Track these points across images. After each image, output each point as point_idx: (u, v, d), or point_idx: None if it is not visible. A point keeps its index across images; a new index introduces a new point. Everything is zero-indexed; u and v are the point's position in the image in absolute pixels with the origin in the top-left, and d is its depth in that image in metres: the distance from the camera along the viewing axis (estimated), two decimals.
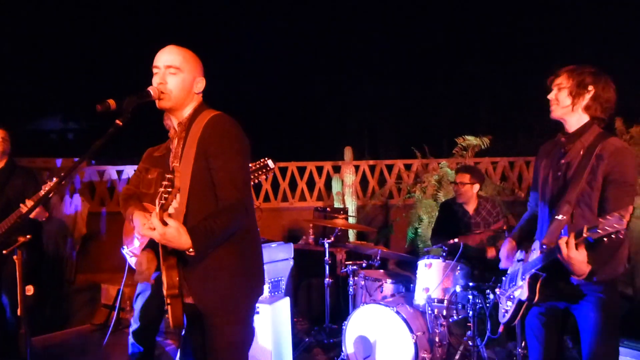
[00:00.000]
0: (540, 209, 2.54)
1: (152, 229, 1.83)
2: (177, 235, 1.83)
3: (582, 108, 2.36)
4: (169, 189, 1.78)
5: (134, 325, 3.24)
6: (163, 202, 1.80)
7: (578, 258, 2.10)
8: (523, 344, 3.67)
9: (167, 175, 1.78)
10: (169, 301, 1.99)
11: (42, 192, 3.48)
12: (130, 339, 3.25)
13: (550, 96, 2.42)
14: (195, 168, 2.03)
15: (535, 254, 2.41)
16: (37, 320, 5.12)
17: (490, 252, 4.15)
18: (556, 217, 2.32)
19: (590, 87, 2.34)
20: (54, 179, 3.45)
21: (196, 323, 2.14)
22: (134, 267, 3.20)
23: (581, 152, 2.33)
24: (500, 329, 3.32)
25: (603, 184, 2.25)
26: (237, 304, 2.11)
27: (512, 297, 2.50)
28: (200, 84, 2.16)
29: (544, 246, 2.33)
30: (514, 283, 2.54)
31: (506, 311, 2.54)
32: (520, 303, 2.41)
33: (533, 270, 2.34)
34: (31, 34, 8.52)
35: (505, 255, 2.68)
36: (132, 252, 3.22)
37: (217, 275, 2.06)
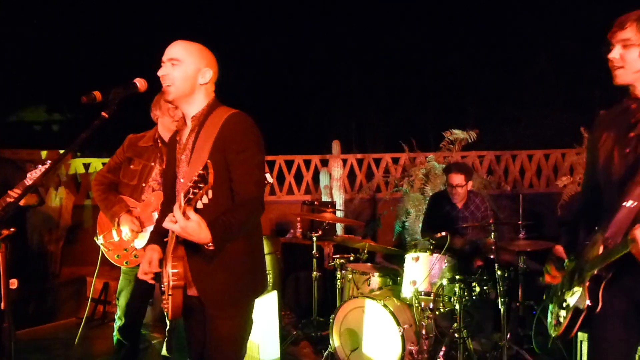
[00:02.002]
0: (605, 194, 1.98)
1: (174, 222, 1.82)
2: (198, 229, 1.82)
3: None
4: (201, 184, 1.74)
5: (119, 322, 3.22)
6: (191, 196, 1.77)
7: None
8: (509, 336, 3.72)
9: (200, 172, 1.74)
10: (170, 292, 2.00)
11: (27, 181, 3.44)
12: (116, 336, 3.23)
13: (613, 55, 1.86)
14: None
15: (595, 249, 1.91)
16: (22, 314, 5.08)
17: (477, 263, 4.19)
18: (624, 203, 1.82)
19: None
20: (40, 166, 3.41)
21: (193, 316, 2.15)
22: (110, 259, 3.19)
23: None
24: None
25: None
26: (242, 297, 2.15)
27: (565, 304, 2.02)
28: (207, 75, 2.15)
29: (609, 240, 1.86)
30: (566, 287, 2.05)
31: (558, 322, 2.05)
32: (578, 312, 1.92)
33: (594, 271, 1.89)
34: (14, 24, 8.38)
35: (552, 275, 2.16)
36: (108, 245, 3.21)
37: (225, 269, 2.08)
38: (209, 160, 1.77)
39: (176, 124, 2.24)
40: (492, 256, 3.91)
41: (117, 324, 3.23)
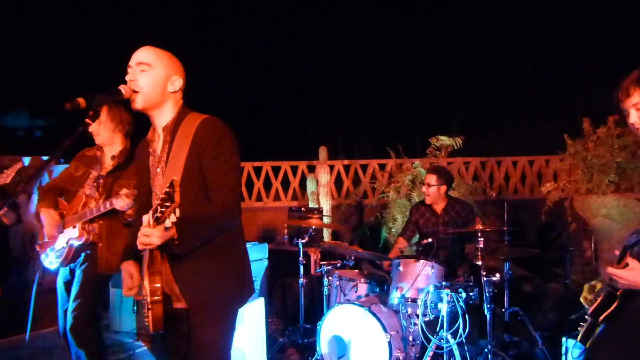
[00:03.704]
0: None
1: (147, 237, 1.83)
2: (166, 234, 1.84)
3: None
4: (167, 203, 1.73)
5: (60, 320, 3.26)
6: (159, 215, 1.76)
7: None
8: (494, 342, 3.74)
9: (166, 189, 1.73)
10: (150, 306, 1.98)
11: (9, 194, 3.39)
12: (64, 333, 3.22)
13: (634, 120, 2.05)
14: (185, 171, 2.01)
15: None
16: (1, 322, 4.99)
17: (470, 248, 4.16)
18: None
19: None
20: (6, 171, 3.36)
21: (176, 327, 2.13)
22: (45, 265, 3.16)
23: None
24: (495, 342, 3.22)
25: None
26: (228, 305, 2.13)
27: None
28: (177, 83, 2.11)
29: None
30: None
31: None
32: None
33: None
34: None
35: None
36: (40, 246, 3.20)
37: (212, 278, 2.07)
38: (174, 178, 1.74)
39: (148, 134, 2.20)
40: (478, 262, 3.93)
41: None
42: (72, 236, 3.07)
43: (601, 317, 2.09)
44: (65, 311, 3.16)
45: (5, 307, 4.92)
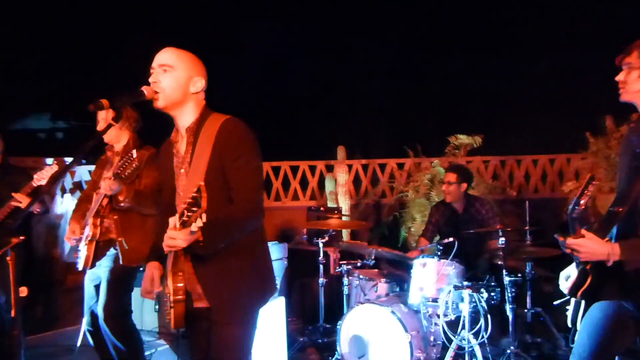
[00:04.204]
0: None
1: (173, 239, 1.88)
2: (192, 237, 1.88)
3: None
4: (194, 208, 1.76)
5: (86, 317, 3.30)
6: (185, 219, 1.80)
7: None
8: (516, 343, 3.70)
9: (193, 194, 1.75)
10: (172, 305, 2.01)
11: (34, 183, 3.48)
12: (88, 329, 3.29)
13: (619, 78, 2.11)
14: (208, 172, 2.03)
15: None
16: (27, 321, 5.08)
17: (493, 244, 4.12)
18: (610, 208, 2.07)
19: None
20: (46, 167, 3.46)
21: (198, 325, 2.14)
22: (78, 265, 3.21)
23: None
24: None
25: None
26: (251, 304, 2.15)
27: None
28: (199, 84, 2.12)
29: None
30: None
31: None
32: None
33: None
34: (18, 31, 8.42)
35: None
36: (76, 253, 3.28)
37: (235, 278, 2.08)
38: (202, 183, 1.76)
39: (171, 135, 2.22)
40: (499, 262, 3.89)
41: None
42: (87, 234, 3.14)
43: (579, 293, 2.15)
44: (93, 308, 3.22)
45: (31, 306, 5.01)
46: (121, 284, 3.16)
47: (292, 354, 4.19)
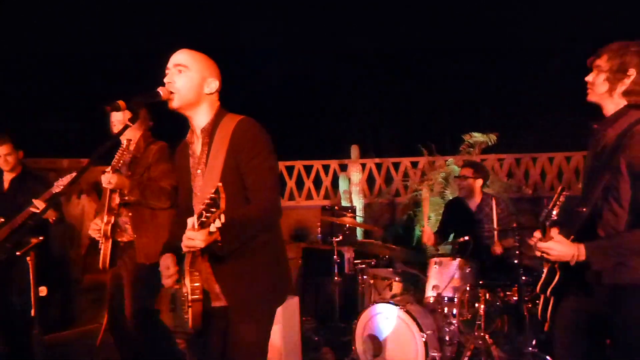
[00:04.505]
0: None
1: (192, 240, 1.88)
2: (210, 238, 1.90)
3: (620, 93, 2.13)
4: (212, 209, 1.77)
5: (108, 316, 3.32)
6: (204, 220, 1.81)
7: None
8: (534, 342, 3.66)
9: (211, 195, 1.76)
10: (190, 304, 2.03)
11: (55, 189, 3.53)
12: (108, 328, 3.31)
13: (588, 79, 2.20)
14: (224, 172, 2.05)
15: None
16: (45, 320, 5.15)
17: (498, 249, 4.10)
18: (576, 208, 2.18)
19: (632, 71, 2.09)
20: (67, 176, 3.51)
21: (214, 324, 2.16)
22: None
23: (613, 140, 2.11)
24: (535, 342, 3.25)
25: (629, 175, 2.03)
26: (267, 304, 2.16)
27: None
28: (213, 85, 2.13)
29: None
30: None
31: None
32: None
33: None
34: (33, 33, 8.53)
35: None
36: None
37: (252, 278, 2.10)
38: (220, 184, 1.77)
39: (187, 136, 2.23)
40: (515, 261, 3.85)
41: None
42: (102, 232, 3.17)
43: (548, 291, 2.25)
44: (115, 307, 3.23)
45: (48, 305, 5.07)
46: (142, 283, 3.16)
47: (306, 353, 4.19)
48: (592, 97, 2.22)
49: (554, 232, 2.15)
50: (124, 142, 2.98)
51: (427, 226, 4.45)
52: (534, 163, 7.32)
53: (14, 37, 8.18)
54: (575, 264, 2.09)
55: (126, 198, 3.09)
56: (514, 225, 3.87)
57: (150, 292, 3.27)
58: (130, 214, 3.16)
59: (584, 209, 2.13)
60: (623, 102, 2.14)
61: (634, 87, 2.10)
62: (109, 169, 3.03)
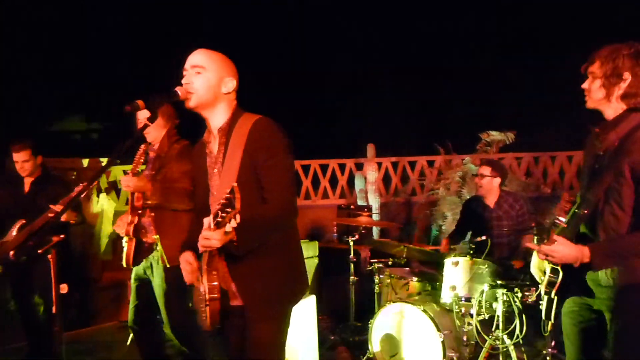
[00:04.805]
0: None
1: (208, 239, 1.91)
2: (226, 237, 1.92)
3: (618, 97, 2.13)
4: (227, 209, 1.78)
5: (130, 313, 3.32)
6: (219, 219, 1.83)
7: None
8: (553, 344, 3.61)
9: (227, 195, 1.78)
10: (207, 303, 2.04)
11: (73, 194, 3.57)
12: (130, 326, 3.31)
13: (584, 86, 2.22)
14: (241, 171, 2.06)
15: None
16: (65, 318, 5.23)
17: (518, 265, 4.06)
18: (576, 210, 2.20)
19: (626, 75, 2.09)
20: (85, 184, 3.53)
21: (232, 322, 2.17)
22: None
23: (615, 144, 2.13)
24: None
25: (633, 179, 2.06)
26: (283, 302, 2.17)
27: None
28: (230, 85, 2.14)
29: None
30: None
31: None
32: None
33: None
34: (53, 34, 8.66)
35: None
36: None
37: (268, 276, 2.11)
38: (235, 184, 1.77)
39: (204, 136, 2.24)
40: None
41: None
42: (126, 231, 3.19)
43: (553, 292, 2.27)
44: (136, 307, 3.25)
45: (68, 303, 5.14)
46: (173, 285, 3.14)
47: (323, 352, 4.19)
48: (590, 104, 2.24)
49: (558, 237, 2.17)
50: (142, 147, 2.98)
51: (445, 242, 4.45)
52: (552, 162, 7.23)
53: (37, 39, 8.33)
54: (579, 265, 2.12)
55: (148, 202, 3.10)
56: (532, 224, 3.82)
57: (183, 291, 3.28)
58: (152, 214, 3.16)
59: (585, 211, 2.15)
60: (622, 106, 2.15)
61: (630, 90, 2.10)
62: (129, 170, 3.05)
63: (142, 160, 3.01)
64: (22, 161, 3.92)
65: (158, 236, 3.13)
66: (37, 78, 8.49)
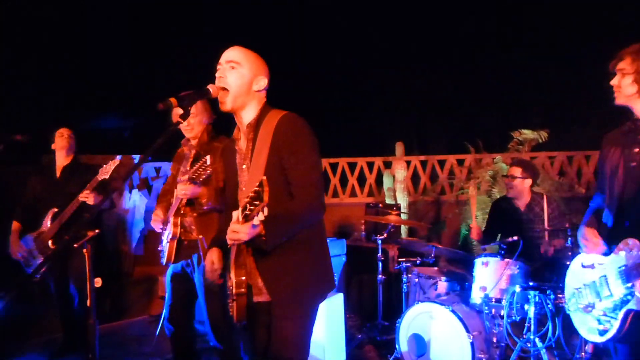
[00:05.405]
0: (608, 204, 2.32)
1: (236, 233, 1.95)
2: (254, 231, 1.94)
3: None
4: (256, 202, 1.80)
5: (165, 309, 3.35)
6: (247, 212, 1.85)
7: None
8: (586, 347, 3.53)
9: (255, 188, 1.80)
10: (235, 297, 2.05)
11: (99, 177, 3.67)
12: (165, 323, 3.35)
13: (613, 82, 2.26)
14: (268, 167, 2.07)
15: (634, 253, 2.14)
16: (98, 311, 5.35)
17: (559, 244, 3.95)
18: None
19: None
20: (110, 162, 3.63)
21: (258, 318, 2.19)
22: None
23: None
24: (590, 348, 3.16)
25: None
26: (309, 300, 2.17)
27: (613, 307, 2.19)
28: (262, 82, 2.18)
29: None
30: (606, 293, 2.23)
31: (604, 329, 2.21)
32: (629, 313, 2.12)
33: None
34: (87, 34, 8.85)
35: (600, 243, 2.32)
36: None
37: (295, 273, 2.12)
38: (264, 178, 1.79)
39: (234, 133, 2.27)
40: (567, 262, 3.72)
41: (164, 311, 3.37)
42: (169, 233, 3.22)
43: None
44: (172, 305, 3.28)
45: (101, 297, 5.27)
46: (213, 290, 3.18)
47: (350, 350, 4.19)
48: (620, 100, 2.26)
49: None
50: (207, 161, 2.89)
51: (475, 222, 4.36)
52: (587, 161, 7.04)
53: (70, 38, 8.53)
54: None
55: (205, 208, 3.11)
56: (567, 225, 3.73)
57: (222, 293, 3.31)
58: (194, 214, 3.19)
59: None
60: None
61: None
62: (184, 177, 3.03)
63: (202, 171, 2.92)
64: (67, 135, 4.18)
65: (202, 236, 3.15)
66: (70, 76, 8.70)
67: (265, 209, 1.80)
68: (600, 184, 2.48)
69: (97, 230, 2.11)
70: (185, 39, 9.22)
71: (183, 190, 3.03)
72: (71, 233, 3.10)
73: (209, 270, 2.23)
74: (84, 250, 2.10)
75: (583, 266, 2.35)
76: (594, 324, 2.26)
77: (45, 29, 7.95)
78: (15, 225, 4.23)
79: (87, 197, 3.81)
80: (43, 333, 4.78)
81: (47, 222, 4.06)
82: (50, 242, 3.97)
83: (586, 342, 3.52)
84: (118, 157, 3.69)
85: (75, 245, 2.02)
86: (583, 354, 3.49)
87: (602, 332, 2.21)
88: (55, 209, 4.04)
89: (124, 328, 5.38)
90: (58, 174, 4.20)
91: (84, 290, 2.20)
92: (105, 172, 3.75)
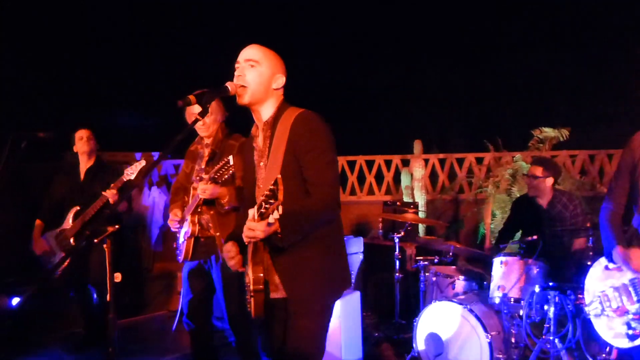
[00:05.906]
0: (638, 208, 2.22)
1: (252, 231, 1.97)
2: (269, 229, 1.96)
3: None
4: (271, 200, 1.81)
5: (182, 305, 3.40)
6: (263, 211, 1.87)
7: None
8: (608, 349, 3.47)
9: (270, 187, 1.81)
10: (252, 294, 2.07)
11: (124, 177, 3.73)
12: (184, 319, 3.37)
13: None
14: (284, 165, 2.08)
15: None
16: (118, 306, 5.42)
17: (581, 243, 3.88)
18: None
19: None
20: (135, 164, 3.69)
21: (275, 314, 2.20)
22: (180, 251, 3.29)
23: None
24: (614, 355, 3.09)
25: None
26: (326, 297, 2.18)
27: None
28: (280, 81, 2.19)
29: None
30: (635, 297, 2.19)
31: (635, 334, 2.17)
32: None
33: None
34: (109, 32, 8.95)
35: None
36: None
37: (311, 271, 2.12)
38: (279, 176, 1.80)
39: (252, 130, 2.28)
40: (588, 262, 3.66)
41: (182, 307, 3.40)
42: (186, 230, 3.25)
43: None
44: (190, 301, 3.30)
45: (123, 291, 5.35)
46: (232, 282, 3.16)
47: (367, 348, 4.18)
48: None
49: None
50: (230, 161, 2.89)
51: (488, 231, 4.33)
52: (609, 160, 6.92)
53: (88, 34, 8.64)
54: None
55: (226, 207, 3.12)
56: (588, 224, 3.67)
57: (241, 288, 3.33)
58: (212, 212, 3.20)
59: None
60: None
61: None
62: (205, 176, 3.04)
63: (224, 171, 2.93)
64: (86, 137, 4.23)
65: (219, 234, 3.17)
66: (90, 73, 8.81)
67: (280, 208, 1.81)
68: (615, 190, 2.37)
69: (117, 226, 2.14)
70: (210, 37, 9.28)
71: (205, 190, 3.04)
72: (92, 228, 3.15)
73: (229, 258, 2.23)
74: (104, 246, 2.13)
75: (607, 269, 2.26)
76: (622, 329, 2.19)
77: (62, 23, 8.05)
78: (38, 222, 4.32)
79: (112, 196, 3.87)
80: (64, 327, 4.86)
81: (69, 220, 4.14)
82: (71, 240, 4.05)
83: (606, 344, 3.46)
84: (142, 158, 3.75)
85: (95, 240, 2.05)
86: (604, 355, 3.42)
87: (633, 337, 2.13)
88: (78, 208, 4.13)
89: (143, 323, 5.45)
90: (82, 176, 4.28)
91: (104, 285, 2.24)
92: (131, 172, 3.82)
